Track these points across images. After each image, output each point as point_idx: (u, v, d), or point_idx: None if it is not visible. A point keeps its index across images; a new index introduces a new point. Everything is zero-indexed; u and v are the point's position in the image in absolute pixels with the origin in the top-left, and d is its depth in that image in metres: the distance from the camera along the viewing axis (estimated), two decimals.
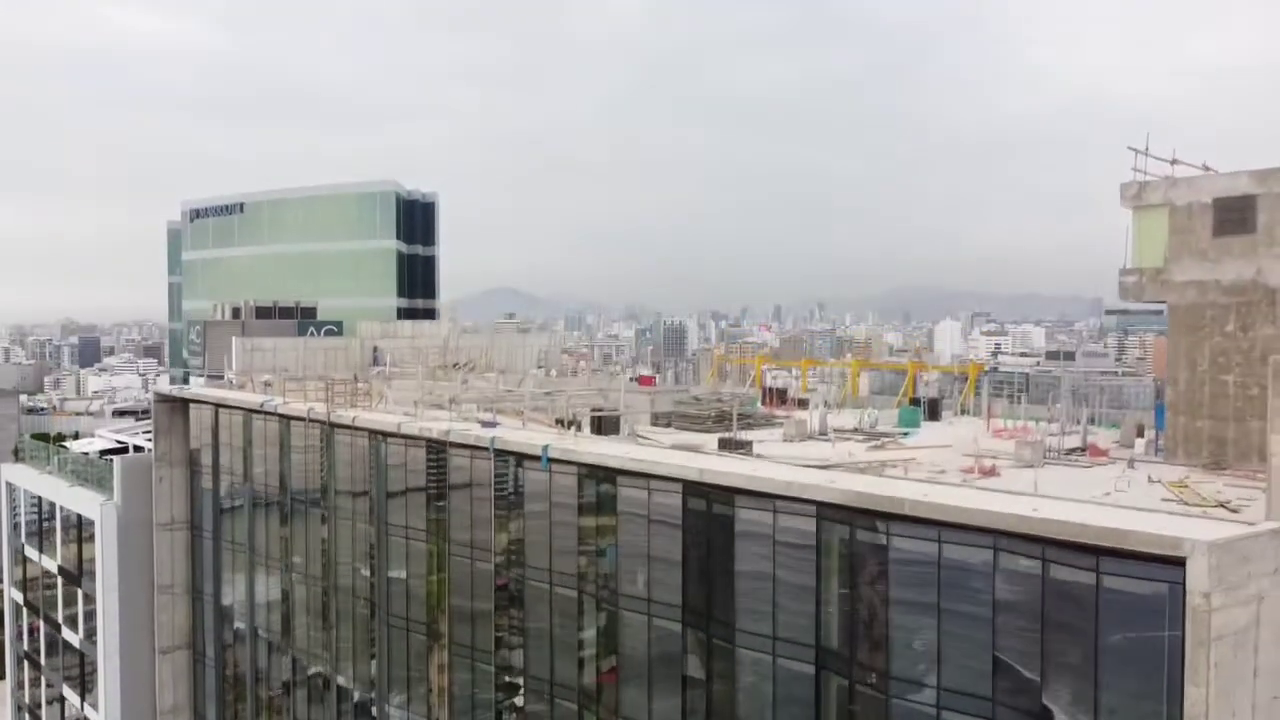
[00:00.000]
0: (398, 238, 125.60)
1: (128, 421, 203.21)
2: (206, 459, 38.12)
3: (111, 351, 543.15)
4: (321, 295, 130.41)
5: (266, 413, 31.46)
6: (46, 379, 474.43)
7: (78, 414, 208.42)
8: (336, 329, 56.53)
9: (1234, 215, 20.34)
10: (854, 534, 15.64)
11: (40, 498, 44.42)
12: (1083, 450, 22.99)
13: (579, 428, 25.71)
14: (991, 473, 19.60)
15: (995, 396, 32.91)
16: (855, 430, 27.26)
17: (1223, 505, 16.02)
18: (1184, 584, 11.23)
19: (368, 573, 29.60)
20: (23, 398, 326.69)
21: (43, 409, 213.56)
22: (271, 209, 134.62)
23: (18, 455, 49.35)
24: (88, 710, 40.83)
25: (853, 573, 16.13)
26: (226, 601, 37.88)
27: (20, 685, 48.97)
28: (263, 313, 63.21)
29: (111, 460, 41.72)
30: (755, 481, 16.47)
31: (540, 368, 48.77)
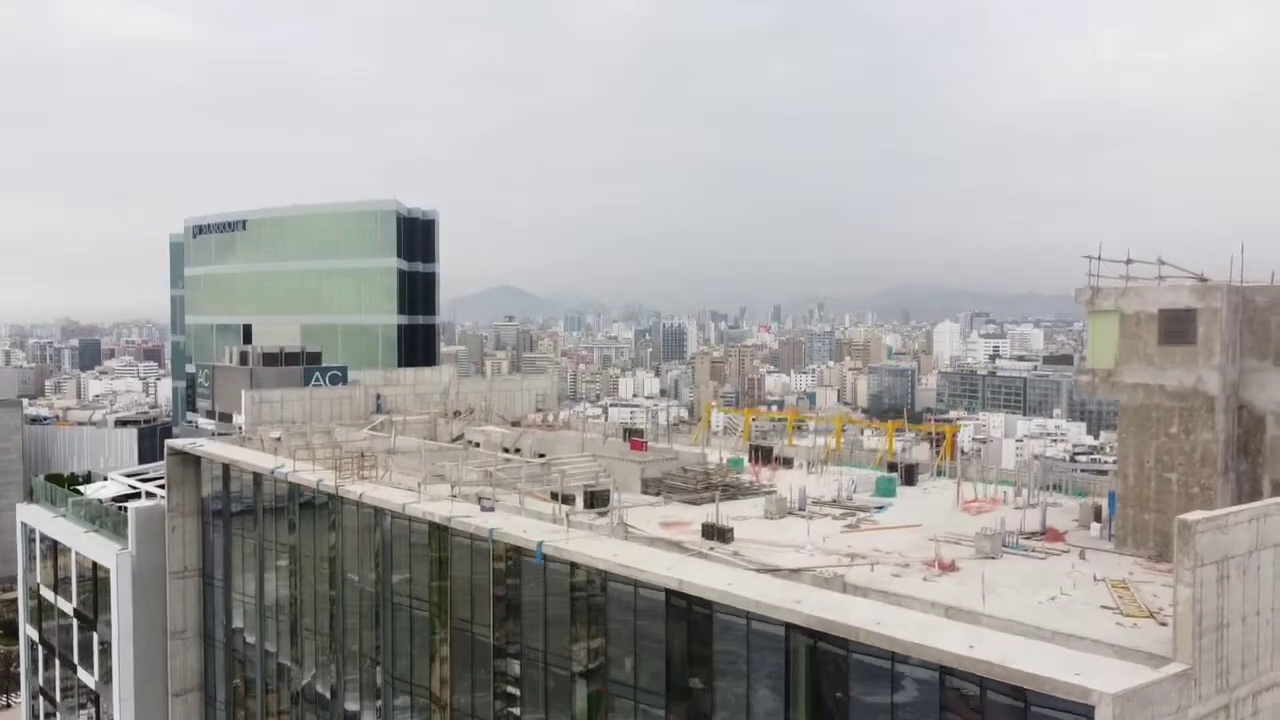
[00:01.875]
0: (398, 255, 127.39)
1: (131, 432, 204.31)
2: (217, 510, 39.81)
3: (112, 354, 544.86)
4: (322, 312, 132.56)
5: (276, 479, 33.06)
6: (47, 382, 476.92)
7: (80, 424, 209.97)
8: (340, 374, 58.20)
9: (1176, 326, 21.94)
10: (817, 644, 17.28)
11: (55, 541, 46.05)
12: (1042, 533, 24.58)
13: (573, 502, 27.37)
14: (950, 568, 21.18)
15: (967, 460, 34.43)
16: (833, 502, 28.84)
17: (1153, 615, 17.61)
18: None
19: (372, 634, 31.25)
20: (24, 401, 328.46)
21: (46, 419, 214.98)
22: (273, 226, 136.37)
23: (31, 495, 50.94)
24: None
25: (816, 675, 17.76)
26: (237, 647, 39.54)
27: (35, 718, 50.63)
28: (269, 359, 64.91)
29: (124, 507, 43.47)
30: (727, 596, 18.10)
31: (539, 410, 50.43)
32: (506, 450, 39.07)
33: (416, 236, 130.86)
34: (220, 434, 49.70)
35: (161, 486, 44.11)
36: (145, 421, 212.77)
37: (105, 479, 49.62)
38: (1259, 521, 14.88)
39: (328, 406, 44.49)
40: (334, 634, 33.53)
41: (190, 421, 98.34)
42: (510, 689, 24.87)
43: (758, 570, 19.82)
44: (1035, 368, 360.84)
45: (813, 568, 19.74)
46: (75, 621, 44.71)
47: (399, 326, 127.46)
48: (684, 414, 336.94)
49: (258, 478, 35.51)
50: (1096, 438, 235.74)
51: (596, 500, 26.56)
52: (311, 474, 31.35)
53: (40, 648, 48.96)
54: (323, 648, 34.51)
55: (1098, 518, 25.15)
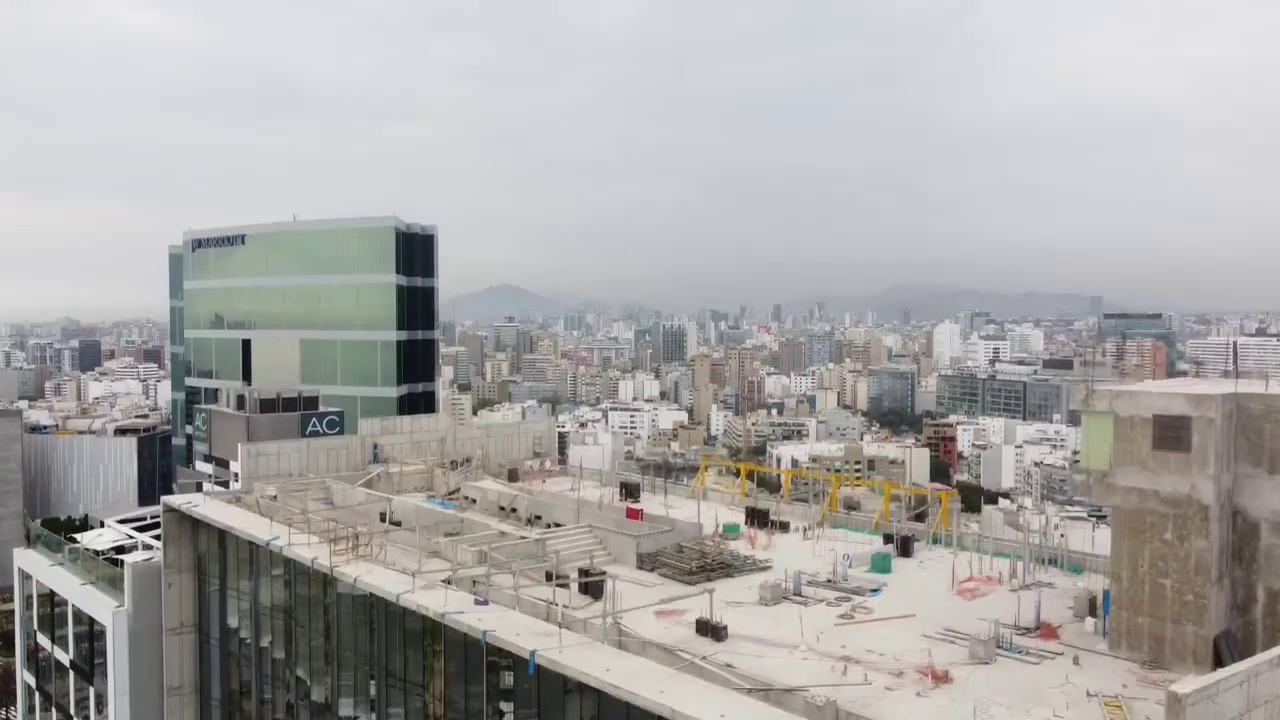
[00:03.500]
0: (397, 271, 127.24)
1: (131, 441, 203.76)
2: (213, 569, 39.80)
3: (112, 355, 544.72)
4: (322, 328, 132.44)
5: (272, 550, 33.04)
6: (48, 384, 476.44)
7: (80, 433, 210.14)
8: (337, 419, 58.12)
9: (1171, 433, 21.89)
10: None
11: (52, 591, 46.01)
12: (1037, 628, 24.53)
13: (568, 585, 27.39)
14: (944, 678, 21.14)
15: (964, 530, 34.36)
16: (829, 582, 28.81)
17: None
18: None
19: (366, 703, 31.25)
20: (24, 404, 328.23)
21: (46, 428, 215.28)
22: (272, 241, 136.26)
23: (30, 540, 50.92)
24: None
25: None
26: (233, 705, 39.53)
27: None
28: (266, 405, 64.85)
29: (121, 560, 43.47)
30: None
31: (537, 455, 50.40)
32: (503, 508, 39.08)
33: (415, 251, 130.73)
34: (217, 480, 49.73)
35: (157, 537, 44.10)
36: (145, 430, 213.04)
37: (102, 524, 49.52)
38: (1249, 683, 14.86)
39: (324, 457, 44.46)
40: (329, 701, 33.55)
41: (190, 464, 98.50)
42: None
43: (750, 689, 19.76)
44: (1035, 371, 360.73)
45: (805, 687, 19.68)
46: (72, 673, 44.69)
47: (398, 342, 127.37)
48: (684, 418, 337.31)
49: (254, 547, 35.48)
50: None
51: (591, 589, 26.53)
52: (307, 548, 31.27)
53: (38, 694, 48.95)
54: (317, 711, 34.52)
55: (1093, 611, 25.10)
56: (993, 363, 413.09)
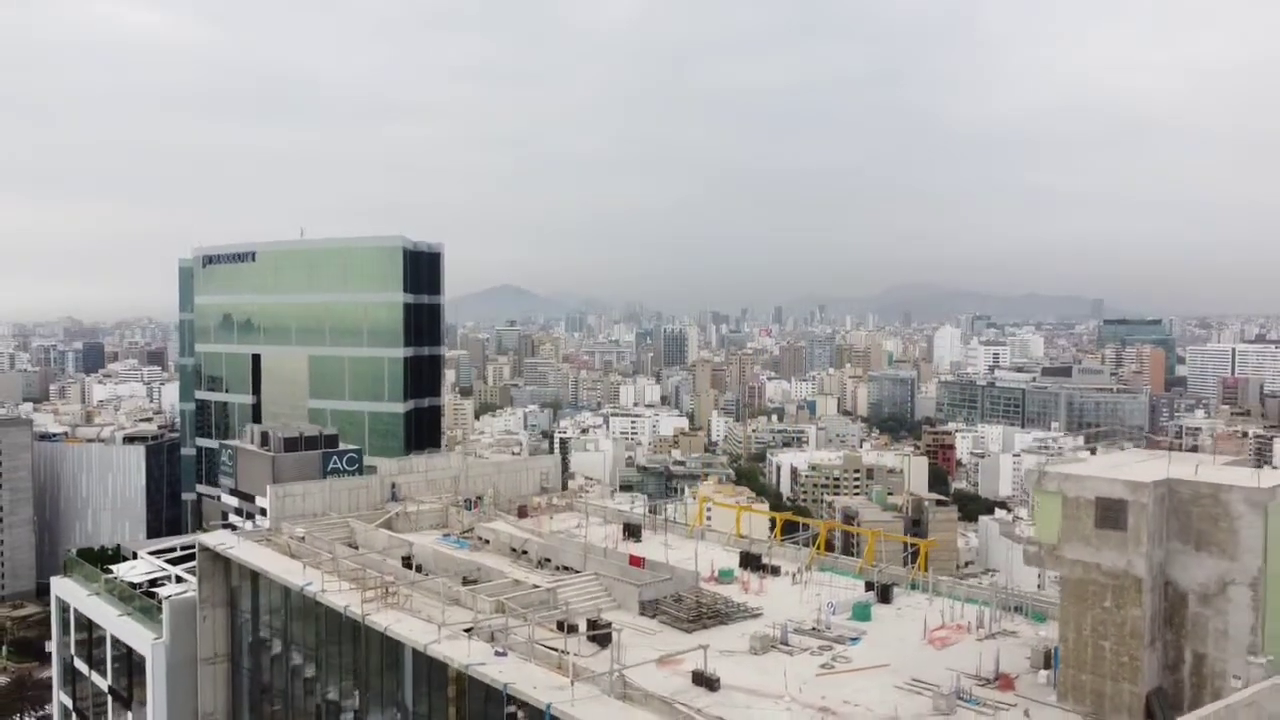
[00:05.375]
0: (405, 290, 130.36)
1: (139, 450, 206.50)
2: (245, 604, 42.83)
3: (115, 356, 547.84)
4: (330, 345, 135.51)
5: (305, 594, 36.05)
6: (52, 387, 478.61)
7: (89, 441, 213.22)
8: (356, 456, 61.13)
9: (1110, 514, 24.85)
10: None
11: (90, 620, 49.04)
12: (996, 679, 27.52)
13: (577, 630, 30.45)
14: None
15: (940, 577, 37.27)
16: (813, 629, 31.80)
17: None
18: None
19: None
20: (29, 406, 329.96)
21: (55, 436, 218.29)
22: (282, 259, 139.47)
23: (66, 569, 53.94)
24: None
25: None
26: None
27: None
28: (290, 444, 67.95)
29: (155, 593, 46.58)
30: None
31: (544, 490, 53.41)
32: (515, 549, 42.08)
33: (422, 269, 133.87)
34: (244, 511, 52.72)
35: (190, 571, 47.16)
36: (153, 438, 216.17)
37: (134, 555, 52.53)
38: None
39: (346, 497, 47.47)
40: None
41: (215, 496, 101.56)
42: None
43: None
44: (1034, 379, 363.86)
45: None
46: (110, 697, 47.71)
47: (405, 359, 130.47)
48: (685, 425, 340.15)
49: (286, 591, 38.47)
50: (1094, 452, 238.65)
51: (599, 639, 29.57)
52: (339, 595, 34.28)
53: (75, 717, 51.96)
54: None
55: (1047, 663, 28.07)
56: (992, 369, 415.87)
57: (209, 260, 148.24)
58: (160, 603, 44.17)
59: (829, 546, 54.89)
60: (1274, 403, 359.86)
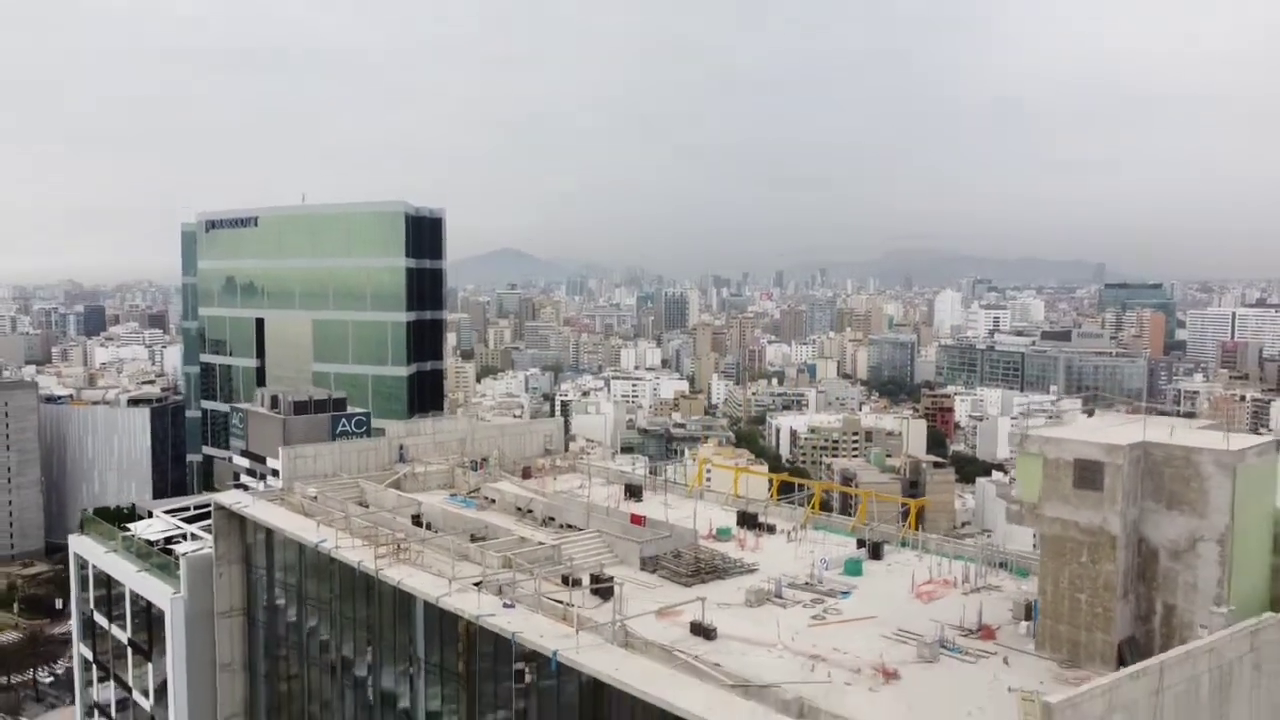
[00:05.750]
0: (406, 255, 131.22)
1: (144, 412, 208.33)
2: (260, 560, 44.43)
3: (116, 320, 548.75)
4: (333, 309, 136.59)
5: (320, 551, 37.58)
6: (54, 349, 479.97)
7: (94, 403, 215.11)
8: (365, 419, 62.50)
9: (1087, 474, 26.17)
10: None
11: (109, 575, 50.72)
12: (979, 630, 29.02)
13: (580, 584, 31.98)
14: (893, 675, 25.63)
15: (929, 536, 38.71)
16: (806, 584, 33.30)
17: None
18: None
19: (406, 682, 35.94)
20: (32, 369, 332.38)
21: (60, 398, 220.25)
22: (284, 224, 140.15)
23: (83, 527, 55.58)
24: None
25: None
26: (279, 679, 44.38)
27: None
28: (300, 408, 69.40)
29: (172, 549, 48.23)
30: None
31: (548, 452, 54.82)
32: (520, 509, 43.55)
33: (424, 234, 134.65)
34: (256, 472, 54.25)
35: (205, 529, 48.77)
36: (157, 401, 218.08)
37: (149, 514, 54.10)
38: (1110, 694, 19.26)
39: (355, 458, 48.88)
40: (367, 677, 38.32)
41: (227, 458, 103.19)
42: None
43: (732, 686, 24.27)
44: (1033, 342, 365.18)
45: (778, 684, 24.17)
46: (130, 649, 49.52)
47: (408, 323, 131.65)
48: (685, 388, 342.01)
49: (301, 547, 40.00)
50: (1090, 414, 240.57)
51: (601, 592, 31.07)
52: (353, 551, 35.80)
53: (95, 668, 53.88)
54: (355, 685, 39.32)
55: (1028, 615, 29.54)
56: (992, 333, 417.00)
57: (211, 225, 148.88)
58: (177, 559, 45.78)
59: (825, 507, 56.57)
60: (1273, 367, 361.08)
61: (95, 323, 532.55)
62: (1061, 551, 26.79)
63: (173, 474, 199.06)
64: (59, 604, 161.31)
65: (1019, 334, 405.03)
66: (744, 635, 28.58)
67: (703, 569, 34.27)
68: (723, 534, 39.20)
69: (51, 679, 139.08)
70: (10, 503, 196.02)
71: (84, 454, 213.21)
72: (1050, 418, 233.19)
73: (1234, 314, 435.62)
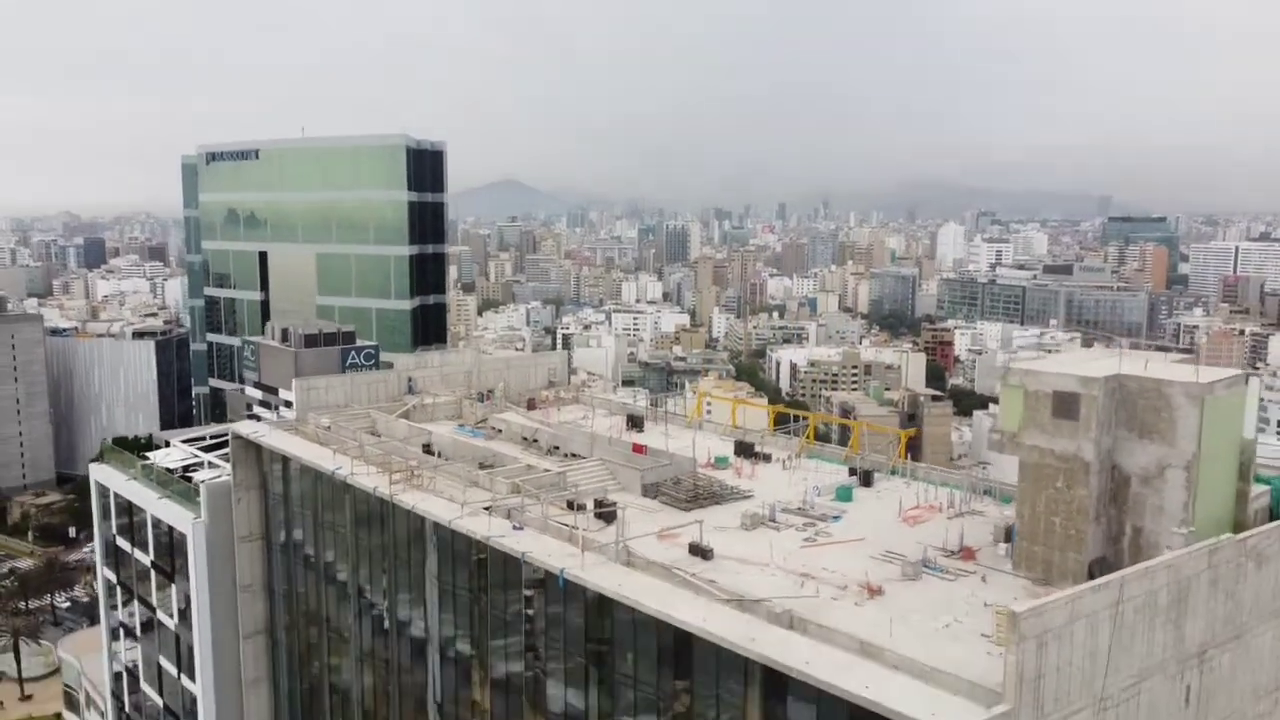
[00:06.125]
0: (408, 188, 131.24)
1: (149, 345, 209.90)
2: (276, 487, 46.31)
3: (116, 252, 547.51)
4: (336, 242, 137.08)
5: (336, 478, 39.36)
6: (55, 282, 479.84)
7: (99, 336, 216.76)
8: (373, 352, 63.83)
9: (1065, 405, 27.63)
10: (764, 668, 23.75)
11: (130, 501, 52.72)
12: (960, 551, 30.81)
13: (585, 509, 33.75)
14: (878, 591, 27.46)
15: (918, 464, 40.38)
16: (799, 509, 35.05)
17: None
18: None
19: (420, 602, 38.02)
20: (34, 301, 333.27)
21: (66, 331, 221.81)
22: (285, 157, 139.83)
23: (103, 456, 57.44)
24: (184, 680, 50.12)
25: (765, 686, 24.37)
26: (296, 598, 46.63)
27: (117, 652, 58.41)
28: (310, 340, 70.70)
29: (190, 477, 50.14)
30: (703, 632, 24.49)
31: (551, 384, 56.39)
32: (526, 439, 45.23)
33: (425, 167, 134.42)
34: (269, 404, 55.83)
35: (222, 458, 50.61)
36: (162, 333, 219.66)
37: (167, 444, 55.92)
38: (1072, 604, 20.97)
39: (366, 390, 50.46)
40: (380, 599, 40.46)
41: (238, 390, 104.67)
42: (537, 661, 31.83)
43: (727, 600, 26.10)
44: (1035, 276, 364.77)
45: (769, 598, 25.98)
46: (153, 571, 51.77)
47: (410, 256, 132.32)
48: (686, 321, 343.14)
49: (318, 474, 41.77)
50: (1090, 346, 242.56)
51: (605, 516, 32.82)
52: (368, 478, 37.57)
53: (120, 589, 56.28)
54: (366, 607, 41.50)
55: (1008, 537, 31.32)
56: (994, 266, 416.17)
57: (213, 157, 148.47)
58: (197, 486, 47.67)
59: (824, 440, 58.32)
60: (1274, 301, 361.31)
61: (95, 255, 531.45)
62: (1039, 477, 28.39)
63: (179, 406, 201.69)
64: (72, 532, 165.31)
65: (1021, 268, 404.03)
66: (739, 556, 30.37)
67: (701, 495, 35.99)
68: (720, 463, 40.89)
69: (69, 604, 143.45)
70: (21, 434, 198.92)
71: (90, 387, 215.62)
72: (1046, 351, 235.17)
73: (1237, 248, 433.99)
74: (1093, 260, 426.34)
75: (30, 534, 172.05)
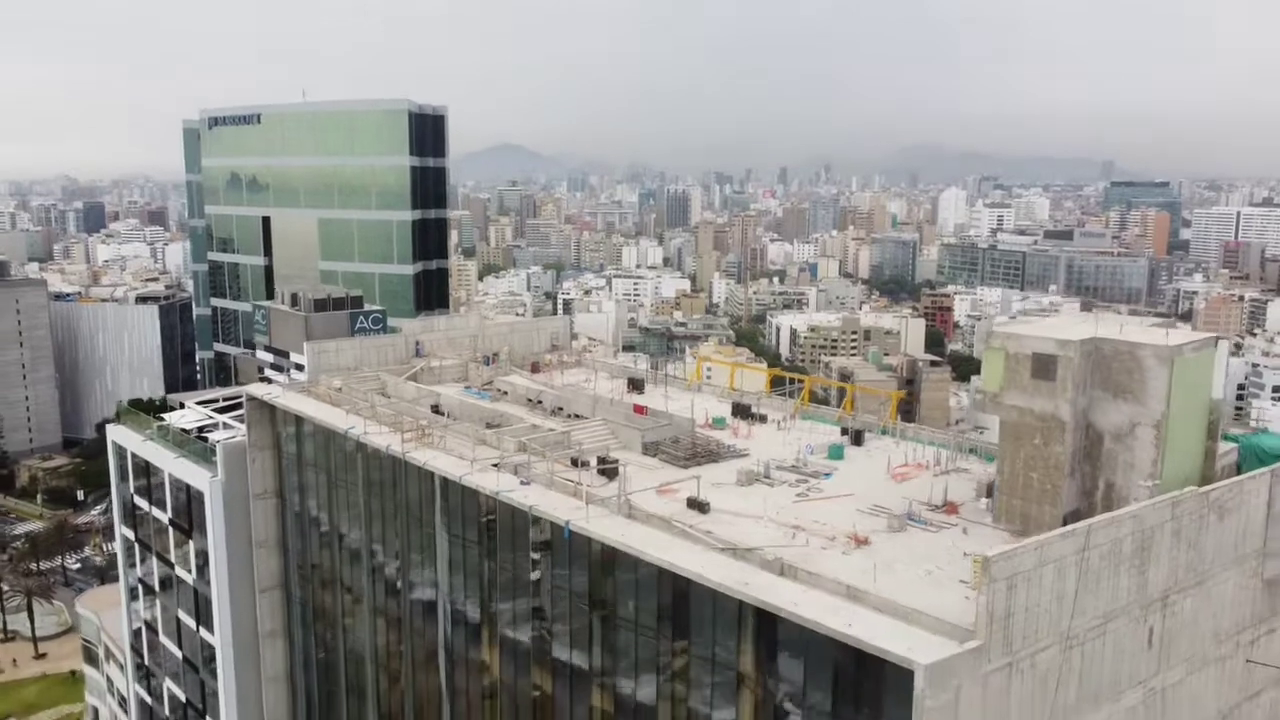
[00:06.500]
0: (410, 152, 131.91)
1: (152, 310, 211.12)
2: (290, 447, 48.00)
3: (116, 216, 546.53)
4: (338, 208, 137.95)
5: (349, 438, 41.01)
6: (55, 247, 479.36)
7: (103, 300, 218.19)
8: (381, 317, 65.34)
9: (1043, 366, 29.17)
10: (758, 611, 25.53)
11: (147, 461, 54.49)
12: (944, 505, 32.51)
13: (588, 466, 35.44)
14: (864, 542, 29.18)
15: (908, 423, 42.02)
16: (792, 467, 36.73)
17: None
18: (913, 681, 20.97)
19: (431, 558, 39.83)
20: (34, 265, 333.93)
21: (69, 296, 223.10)
22: (287, 121, 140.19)
23: (119, 418, 59.13)
24: (203, 633, 52.19)
25: (758, 630, 26.17)
26: (310, 554, 48.53)
27: (136, 608, 60.52)
28: (320, 305, 72.09)
29: (206, 437, 51.85)
30: (701, 577, 26.22)
31: (555, 348, 57.93)
32: (531, 400, 46.86)
33: (427, 132, 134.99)
34: (280, 367, 57.38)
35: (236, 419, 52.29)
36: (165, 298, 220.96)
37: (182, 406, 57.58)
38: (1041, 549, 22.64)
39: (375, 353, 52.00)
40: (392, 557, 42.30)
41: (248, 354, 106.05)
42: (543, 609, 33.64)
43: (722, 549, 27.82)
44: (1035, 242, 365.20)
45: (762, 547, 27.71)
46: (171, 529, 53.67)
47: (412, 222, 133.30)
48: (686, 287, 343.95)
49: (331, 434, 43.40)
50: (1089, 309, 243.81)
51: (607, 473, 34.52)
52: (380, 436, 39.22)
53: (138, 547, 58.24)
54: (378, 567, 43.35)
55: (990, 493, 33.00)
56: (995, 231, 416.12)
57: (214, 122, 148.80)
58: (214, 446, 49.38)
59: (823, 403, 59.87)
60: (1274, 267, 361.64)
61: (95, 219, 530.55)
62: (1018, 435, 30.00)
63: (183, 371, 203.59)
64: (80, 495, 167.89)
65: (1022, 233, 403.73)
66: (734, 510, 32.05)
67: (698, 453, 37.65)
68: (718, 423, 42.52)
69: (79, 565, 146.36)
70: (27, 398, 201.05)
71: (95, 351, 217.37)
72: (1041, 313, 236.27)
73: (1239, 213, 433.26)
74: (1095, 225, 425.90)
75: (39, 497, 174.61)
